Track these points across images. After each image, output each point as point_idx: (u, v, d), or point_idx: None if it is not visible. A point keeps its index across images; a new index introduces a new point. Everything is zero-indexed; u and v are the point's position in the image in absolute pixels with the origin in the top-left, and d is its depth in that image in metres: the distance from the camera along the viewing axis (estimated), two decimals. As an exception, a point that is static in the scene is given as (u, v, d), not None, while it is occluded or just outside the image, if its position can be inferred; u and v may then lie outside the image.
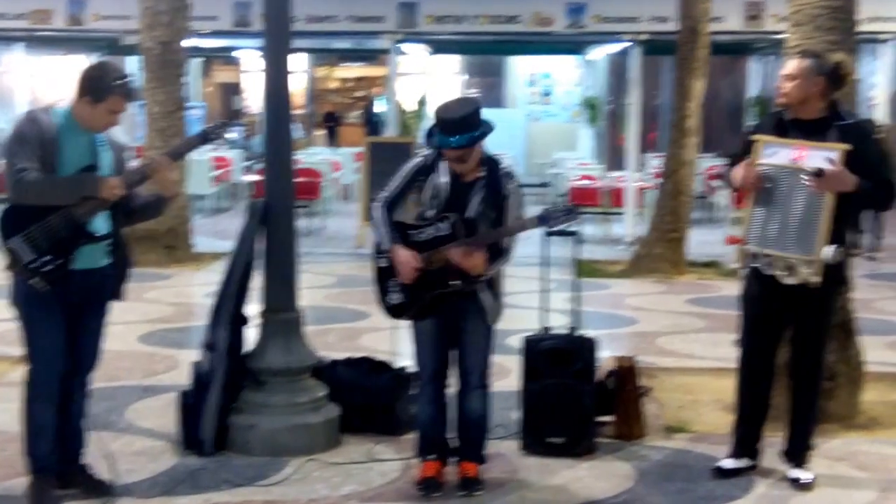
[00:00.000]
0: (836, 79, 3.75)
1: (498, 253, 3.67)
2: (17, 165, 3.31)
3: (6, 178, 3.40)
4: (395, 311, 3.78)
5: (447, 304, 3.71)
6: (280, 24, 4.22)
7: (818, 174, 3.61)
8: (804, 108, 3.77)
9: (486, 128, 3.63)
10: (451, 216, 3.63)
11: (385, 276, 3.76)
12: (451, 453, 3.91)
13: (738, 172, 3.79)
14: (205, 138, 3.74)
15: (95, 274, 3.52)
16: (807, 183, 3.65)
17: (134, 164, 3.72)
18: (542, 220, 3.64)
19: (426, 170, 3.71)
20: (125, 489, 3.66)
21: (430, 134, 3.70)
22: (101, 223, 3.48)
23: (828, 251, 3.64)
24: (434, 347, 3.77)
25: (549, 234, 4.69)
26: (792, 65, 3.78)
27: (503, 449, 4.20)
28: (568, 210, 3.66)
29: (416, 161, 3.77)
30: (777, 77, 3.89)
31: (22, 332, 3.51)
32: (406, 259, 3.64)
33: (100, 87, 3.38)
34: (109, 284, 3.58)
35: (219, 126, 3.81)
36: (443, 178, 3.68)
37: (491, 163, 3.73)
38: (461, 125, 3.57)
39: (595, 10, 10.82)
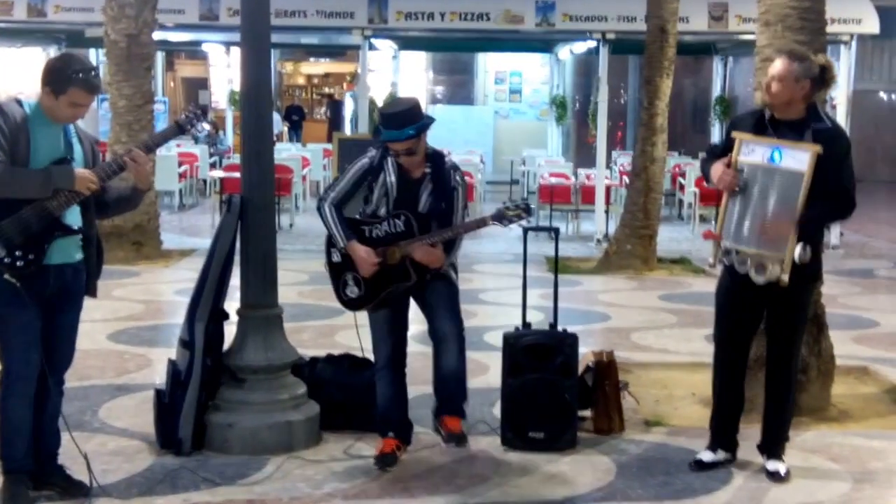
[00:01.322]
0: (821, 81, 3.80)
1: (452, 243, 3.87)
2: None
3: None
4: (352, 305, 3.94)
5: (407, 291, 3.85)
6: (259, 16, 4.17)
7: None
8: (787, 109, 3.81)
9: (428, 119, 3.84)
10: (404, 214, 3.79)
11: (340, 270, 3.90)
12: (410, 435, 4.10)
13: (717, 170, 3.83)
14: (180, 129, 3.71)
15: (69, 269, 3.46)
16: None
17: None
18: (496, 217, 3.82)
19: (373, 171, 3.84)
20: (102, 490, 3.59)
21: (377, 132, 3.84)
22: (73, 216, 3.42)
23: (797, 250, 3.69)
24: (389, 334, 3.94)
25: (527, 229, 4.74)
26: (780, 66, 3.77)
27: (485, 444, 4.22)
28: (524, 206, 3.78)
29: (362, 163, 3.89)
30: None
31: None
32: (364, 256, 3.80)
33: (60, 79, 3.31)
34: (83, 280, 3.51)
35: (192, 116, 3.76)
36: (391, 176, 3.83)
37: (435, 157, 3.88)
38: (407, 118, 3.76)
39: (564, 9, 10.91)
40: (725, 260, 3.83)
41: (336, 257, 3.89)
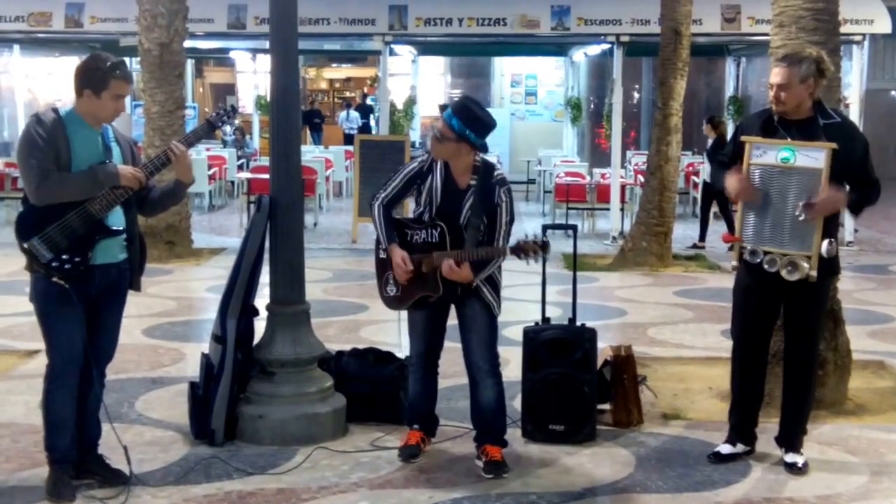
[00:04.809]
0: (819, 74, 3.87)
1: (483, 263, 3.83)
2: (36, 168, 3.36)
3: (25, 182, 3.45)
4: (389, 302, 4.01)
5: (445, 299, 3.87)
6: (287, 22, 4.29)
7: (808, 206, 3.73)
8: (797, 110, 3.88)
9: (477, 134, 3.78)
10: (440, 225, 3.82)
11: (384, 267, 3.96)
12: (434, 429, 4.19)
13: (733, 183, 3.86)
14: (211, 126, 3.88)
15: (113, 268, 3.59)
16: (800, 217, 3.75)
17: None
18: (514, 250, 3.81)
19: (422, 174, 3.88)
20: (139, 478, 3.72)
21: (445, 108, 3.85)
22: (116, 217, 3.55)
23: (824, 246, 3.77)
24: (424, 330, 4.00)
25: (546, 227, 4.84)
26: (783, 74, 3.81)
27: (505, 436, 4.31)
28: (542, 244, 3.78)
29: (413, 165, 3.93)
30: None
31: (42, 327, 3.57)
32: (399, 262, 3.84)
33: (98, 77, 3.45)
34: (126, 278, 3.65)
35: (222, 114, 3.90)
36: (437, 181, 3.85)
37: (484, 170, 3.86)
38: (464, 113, 3.80)
39: (579, 13, 11.01)
40: (751, 260, 3.87)
41: (383, 254, 3.95)
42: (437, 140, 3.82)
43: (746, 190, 3.84)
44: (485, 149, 3.85)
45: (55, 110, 3.53)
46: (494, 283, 3.92)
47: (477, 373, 3.94)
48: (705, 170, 10.61)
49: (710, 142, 10.41)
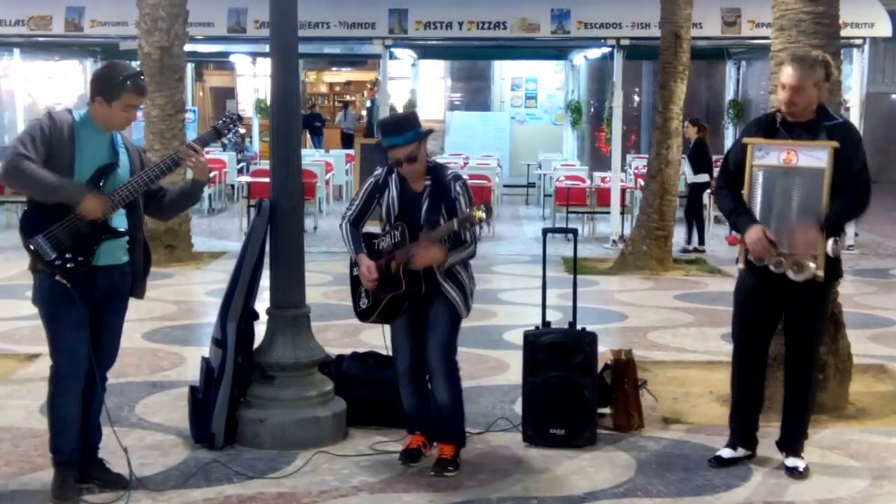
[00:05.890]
0: (826, 77, 3.88)
1: (457, 245, 3.90)
2: (18, 150, 3.38)
3: (4, 157, 3.45)
4: (362, 315, 4.07)
5: (412, 302, 3.93)
6: (287, 25, 4.31)
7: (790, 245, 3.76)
8: (803, 113, 3.87)
9: (426, 131, 3.97)
10: (401, 224, 3.92)
11: (357, 283, 4.06)
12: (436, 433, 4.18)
13: (752, 235, 3.81)
14: (217, 133, 3.90)
15: (116, 271, 3.60)
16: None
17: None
18: (460, 223, 3.85)
19: (380, 188, 4.01)
20: (140, 482, 3.72)
21: (380, 144, 4.04)
22: (119, 220, 3.57)
23: (829, 245, 3.77)
24: (405, 343, 4.04)
25: (546, 231, 4.83)
26: (797, 77, 3.78)
27: (506, 440, 4.31)
28: (486, 208, 3.82)
29: (369, 181, 4.07)
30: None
31: (46, 330, 3.57)
32: (364, 271, 3.94)
33: (111, 87, 3.48)
34: (129, 282, 3.66)
35: (228, 122, 3.92)
36: (393, 191, 3.97)
37: (436, 170, 3.99)
38: (406, 124, 3.94)
39: (579, 16, 11.03)
40: (756, 262, 3.85)
41: (355, 271, 4.05)
42: (410, 163, 3.90)
43: (762, 246, 3.80)
44: (430, 129, 4.10)
45: (70, 111, 3.57)
46: (459, 283, 3.97)
47: (431, 372, 4.02)
48: (689, 172, 10.62)
49: (691, 143, 10.44)
